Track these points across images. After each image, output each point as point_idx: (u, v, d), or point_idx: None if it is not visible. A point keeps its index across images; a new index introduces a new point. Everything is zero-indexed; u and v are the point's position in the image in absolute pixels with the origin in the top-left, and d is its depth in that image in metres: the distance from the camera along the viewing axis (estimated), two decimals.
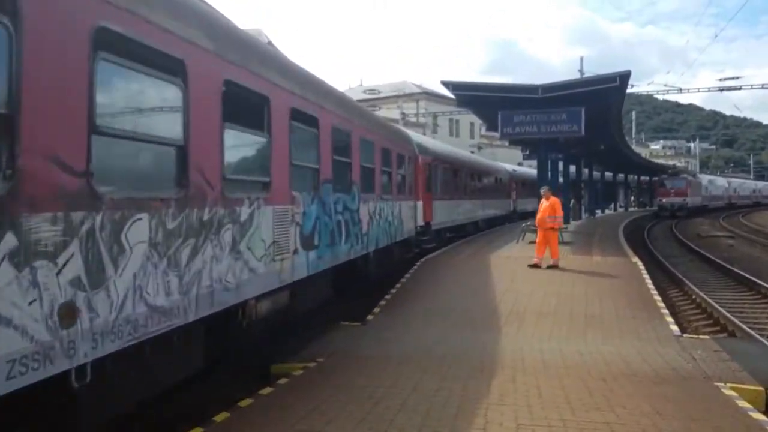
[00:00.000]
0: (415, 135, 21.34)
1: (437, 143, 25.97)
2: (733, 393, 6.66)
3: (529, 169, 41.56)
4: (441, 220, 21.54)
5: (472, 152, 43.49)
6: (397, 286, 13.29)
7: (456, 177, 24.45)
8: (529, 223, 21.74)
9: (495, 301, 11.61)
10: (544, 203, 15.62)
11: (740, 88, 43.29)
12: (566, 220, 28.75)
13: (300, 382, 7.07)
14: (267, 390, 6.77)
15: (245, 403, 6.33)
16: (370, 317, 10.59)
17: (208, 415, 6.01)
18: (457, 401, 6.27)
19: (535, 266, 14.95)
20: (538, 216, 15.65)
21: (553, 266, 15.01)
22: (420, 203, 18.46)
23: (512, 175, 38.16)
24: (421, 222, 18.66)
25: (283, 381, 7.11)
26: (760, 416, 6.01)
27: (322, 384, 6.91)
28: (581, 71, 38.16)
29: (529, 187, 39.07)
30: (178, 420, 6.34)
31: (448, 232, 23.24)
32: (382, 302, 11.74)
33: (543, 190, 16.24)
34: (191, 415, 6.27)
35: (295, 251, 8.45)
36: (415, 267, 15.69)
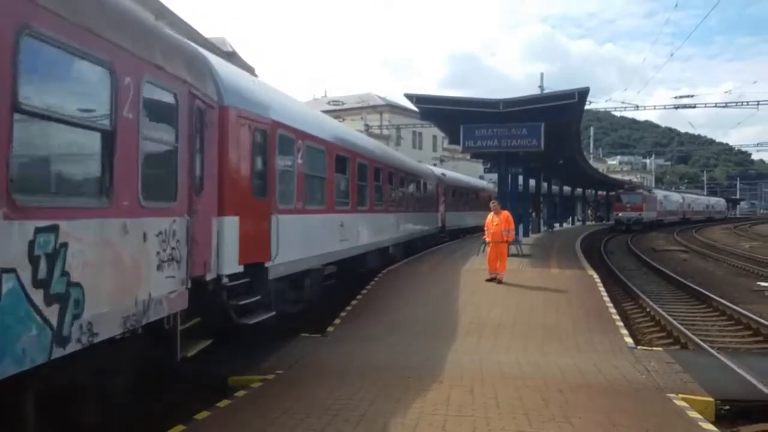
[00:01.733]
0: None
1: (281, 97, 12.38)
2: (684, 404, 6.82)
3: (463, 176, 38.60)
4: (288, 257, 10.35)
5: (434, 164, 42.79)
6: (358, 297, 13.27)
7: (340, 173, 14.34)
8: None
9: (455, 313, 11.68)
10: (494, 218, 15.54)
11: (695, 106, 44.72)
12: (525, 233, 29.23)
13: (258, 395, 7.01)
14: (224, 402, 6.69)
15: (202, 415, 6.25)
16: (330, 329, 10.55)
17: (163, 428, 5.91)
18: (416, 413, 6.29)
19: (492, 280, 15.02)
20: (492, 230, 15.49)
21: (498, 280, 14.94)
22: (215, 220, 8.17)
23: (440, 180, 29.25)
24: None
25: (241, 393, 7.04)
26: (710, 426, 6.18)
27: (281, 396, 6.86)
28: (541, 87, 38.88)
29: (464, 198, 34.52)
30: None
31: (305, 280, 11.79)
32: (343, 313, 11.71)
33: (493, 204, 16.21)
34: (145, 427, 6.15)
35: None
36: (377, 278, 15.69)
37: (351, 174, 15.00)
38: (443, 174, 30.97)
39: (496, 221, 15.46)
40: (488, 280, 15.06)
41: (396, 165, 20.76)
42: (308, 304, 11.82)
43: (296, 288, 11.34)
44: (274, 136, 10.01)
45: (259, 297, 9.06)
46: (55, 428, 5.24)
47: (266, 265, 9.43)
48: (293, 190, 10.98)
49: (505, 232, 15.35)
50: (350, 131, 18.09)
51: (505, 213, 15.72)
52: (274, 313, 9.29)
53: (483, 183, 41.58)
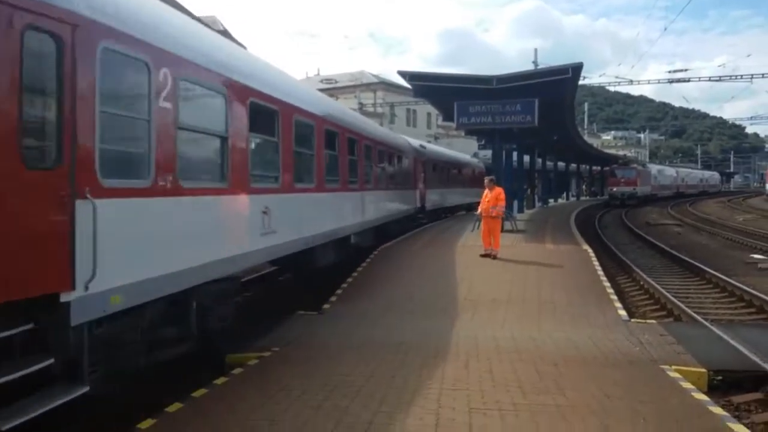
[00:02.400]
0: None
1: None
2: (677, 375, 6.89)
3: (446, 149, 36.76)
4: (132, 274, 6.09)
5: (429, 141, 42.47)
6: (354, 274, 13.31)
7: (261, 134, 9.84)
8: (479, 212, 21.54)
9: (450, 289, 11.73)
10: (487, 193, 15.68)
11: (689, 81, 44.54)
12: (520, 209, 29.28)
13: (255, 372, 7.05)
14: (221, 380, 6.74)
15: (199, 393, 6.29)
16: (326, 306, 10.59)
17: (161, 405, 5.95)
18: (411, 388, 6.35)
19: (487, 256, 15.10)
20: (482, 206, 15.73)
21: (493, 256, 15.03)
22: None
23: (419, 153, 26.00)
24: None
25: (237, 371, 7.08)
26: (702, 396, 6.26)
27: (278, 373, 6.91)
28: (535, 63, 38.65)
29: (447, 174, 31.37)
30: (129, 410, 6.26)
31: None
32: (339, 291, 11.75)
33: (486, 180, 16.32)
34: (143, 405, 6.19)
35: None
36: (372, 256, 15.72)
37: (284, 137, 10.07)
38: (422, 146, 27.79)
39: (488, 197, 15.55)
40: (482, 256, 15.15)
41: (359, 131, 16.12)
42: (204, 338, 7.82)
43: (168, 322, 7.14)
44: (88, 48, 5.43)
45: (51, 360, 5.05)
46: None
47: (64, 298, 5.16)
48: (146, 153, 6.38)
49: (492, 208, 15.38)
50: (282, 75, 11.59)
51: (497, 189, 15.75)
52: (86, 388, 5.30)
53: (468, 158, 40.08)
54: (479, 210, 16.04)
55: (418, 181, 25.41)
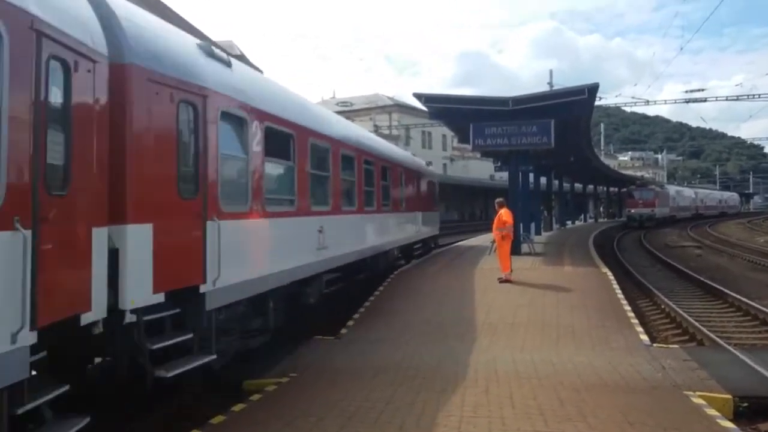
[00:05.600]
0: None
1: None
2: (701, 401, 6.76)
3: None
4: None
5: (444, 165, 42.34)
6: (371, 299, 13.27)
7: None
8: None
9: (468, 312, 11.64)
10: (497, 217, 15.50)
11: (705, 100, 44.49)
12: (537, 232, 29.13)
13: (273, 398, 7.02)
14: (239, 406, 6.70)
15: (217, 420, 6.26)
16: (343, 331, 10.55)
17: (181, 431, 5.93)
18: (431, 414, 6.28)
19: (507, 281, 14.77)
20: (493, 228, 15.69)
21: (500, 279, 14.75)
22: None
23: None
24: None
25: (255, 397, 7.05)
26: (728, 424, 6.12)
27: (296, 399, 6.87)
28: (550, 83, 38.77)
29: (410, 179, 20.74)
30: None
31: None
32: (356, 315, 11.71)
33: (497, 202, 16.02)
34: None
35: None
36: (389, 280, 15.67)
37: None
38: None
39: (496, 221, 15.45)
40: (500, 281, 14.82)
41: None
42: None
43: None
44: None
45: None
46: None
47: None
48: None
49: (498, 230, 15.17)
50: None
51: (503, 211, 15.38)
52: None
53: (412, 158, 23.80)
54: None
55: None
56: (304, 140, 10.68)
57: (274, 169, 9.62)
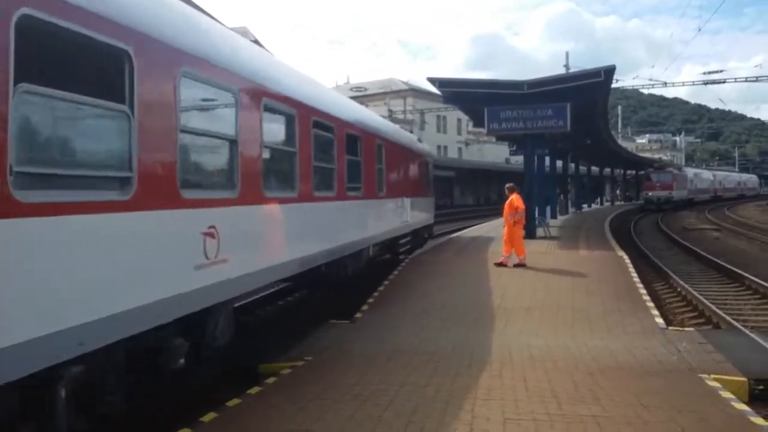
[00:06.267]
0: None
1: None
2: (716, 384, 6.73)
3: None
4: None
5: (459, 149, 42.05)
6: (385, 283, 13.31)
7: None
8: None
9: (482, 297, 11.65)
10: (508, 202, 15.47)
11: (724, 82, 43.90)
12: (553, 215, 29.01)
13: (288, 381, 7.08)
14: (255, 389, 6.77)
15: (233, 403, 6.33)
16: (358, 315, 10.60)
17: (196, 415, 6.01)
18: (444, 397, 6.31)
19: (501, 264, 14.80)
20: (503, 213, 15.59)
21: (520, 265, 14.71)
22: None
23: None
24: None
25: (271, 380, 7.12)
26: (743, 406, 6.09)
27: (311, 383, 6.92)
28: (567, 66, 38.36)
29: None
30: (165, 420, 6.33)
31: None
32: (370, 300, 11.76)
33: (507, 187, 15.92)
34: (179, 415, 6.26)
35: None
36: (402, 265, 15.70)
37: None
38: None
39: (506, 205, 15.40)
40: (497, 264, 14.88)
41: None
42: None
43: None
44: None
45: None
46: None
47: None
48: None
49: (510, 216, 15.07)
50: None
51: (514, 196, 15.33)
52: None
53: (398, 129, 20.05)
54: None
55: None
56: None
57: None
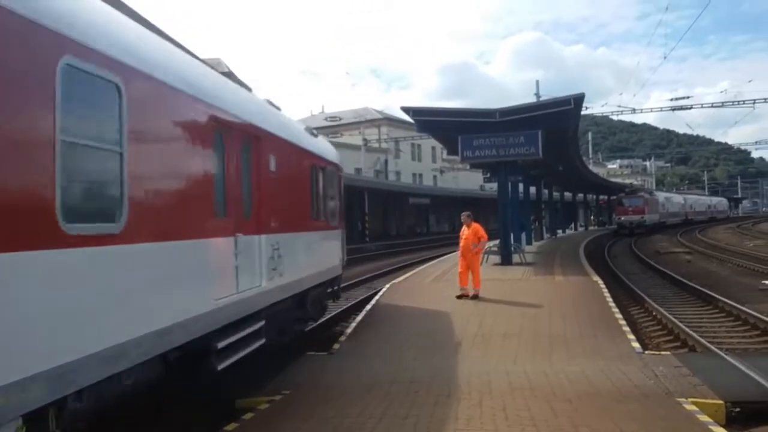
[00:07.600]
0: None
1: None
2: (694, 408, 6.77)
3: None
4: None
5: (434, 176, 42.32)
6: (363, 313, 13.23)
7: None
8: (492, 245, 21.19)
9: (461, 324, 11.63)
10: (465, 230, 14.83)
11: (691, 107, 44.76)
12: (528, 242, 29.20)
13: (266, 417, 6.97)
14: (232, 426, 6.66)
15: None
16: (336, 345, 10.51)
17: None
18: (424, 428, 6.25)
19: (463, 296, 14.38)
20: (461, 243, 14.83)
21: (475, 296, 14.26)
22: None
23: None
24: None
25: (248, 416, 7.00)
26: (721, 429, 6.13)
27: (290, 417, 6.83)
28: (537, 94, 38.99)
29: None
30: None
31: None
32: (348, 330, 11.68)
33: (464, 216, 15.16)
34: None
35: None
36: (382, 292, 15.64)
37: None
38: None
39: (465, 234, 14.77)
40: (458, 297, 14.31)
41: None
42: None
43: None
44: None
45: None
46: None
47: None
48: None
49: (474, 246, 14.61)
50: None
51: (475, 225, 14.82)
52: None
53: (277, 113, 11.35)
54: (460, 248, 14.98)
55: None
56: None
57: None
